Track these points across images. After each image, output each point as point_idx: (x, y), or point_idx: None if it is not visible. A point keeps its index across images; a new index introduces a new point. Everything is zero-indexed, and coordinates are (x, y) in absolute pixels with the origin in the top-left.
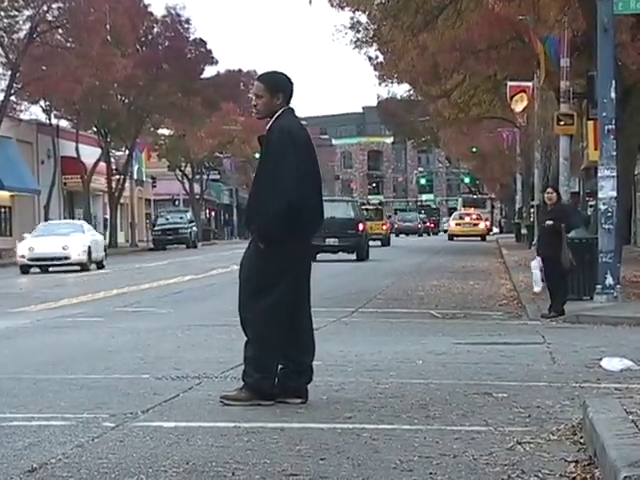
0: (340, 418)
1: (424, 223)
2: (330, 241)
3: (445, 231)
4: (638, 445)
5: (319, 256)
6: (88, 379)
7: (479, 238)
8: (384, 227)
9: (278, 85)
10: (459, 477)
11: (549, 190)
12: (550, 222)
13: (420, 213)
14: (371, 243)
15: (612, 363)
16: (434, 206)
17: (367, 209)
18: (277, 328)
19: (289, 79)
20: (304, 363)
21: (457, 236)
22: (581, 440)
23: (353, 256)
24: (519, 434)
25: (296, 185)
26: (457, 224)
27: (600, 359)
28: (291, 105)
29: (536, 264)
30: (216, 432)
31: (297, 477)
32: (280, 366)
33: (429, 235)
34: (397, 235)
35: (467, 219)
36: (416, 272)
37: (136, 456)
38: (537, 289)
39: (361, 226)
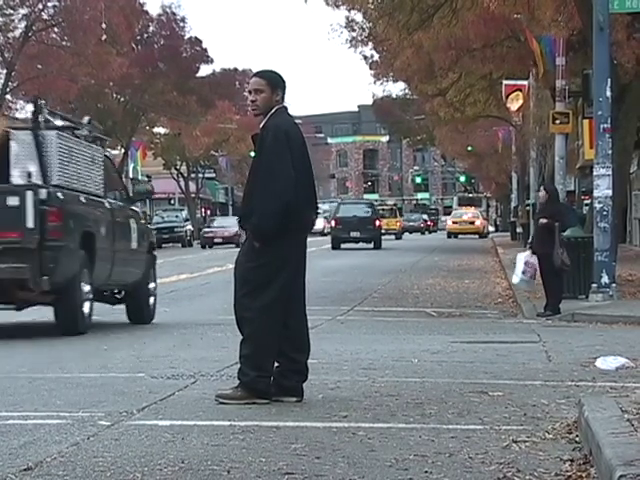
0: (336, 417)
1: (425, 222)
2: (353, 234)
3: (442, 229)
4: (634, 444)
5: (343, 245)
6: (83, 377)
7: (477, 236)
8: (398, 224)
9: (278, 81)
10: (454, 476)
11: (539, 189)
12: (544, 220)
13: (422, 213)
14: (386, 237)
15: (607, 362)
16: (433, 206)
17: (384, 209)
18: (273, 326)
19: (283, 78)
20: (300, 361)
21: (455, 234)
22: (577, 439)
23: (370, 245)
24: (514, 433)
25: (292, 184)
26: (454, 222)
27: (596, 358)
28: (285, 104)
29: (522, 257)
30: (211, 431)
31: (292, 476)
32: (276, 364)
33: (429, 233)
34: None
35: (464, 217)
36: (412, 270)
37: (131, 455)
38: (515, 280)
39: (377, 222)
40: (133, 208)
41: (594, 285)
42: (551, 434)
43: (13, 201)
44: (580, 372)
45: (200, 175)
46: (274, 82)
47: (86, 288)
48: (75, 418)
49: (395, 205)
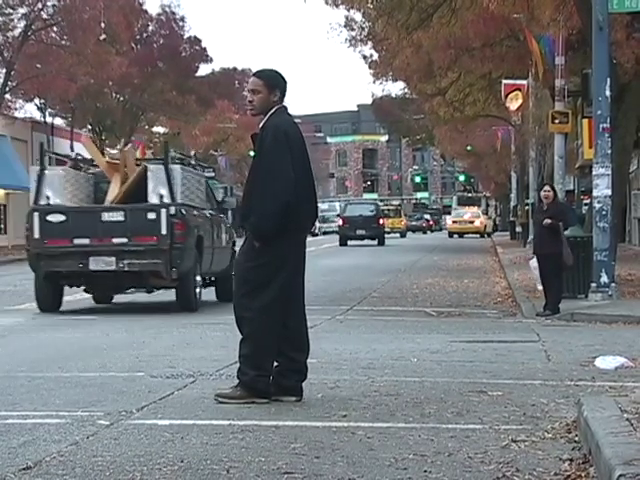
0: (335, 416)
1: (427, 222)
2: (359, 232)
3: (444, 229)
4: (633, 443)
5: (350, 242)
6: (83, 377)
7: (478, 235)
8: (402, 223)
9: (276, 82)
10: (454, 475)
11: (546, 188)
12: (549, 221)
13: (424, 214)
14: (392, 235)
15: (607, 361)
16: (434, 206)
17: (389, 209)
18: (272, 326)
19: (284, 77)
20: (299, 361)
21: (455, 233)
22: (576, 438)
23: (374, 242)
24: (514, 432)
25: (292, 185)
26: (454, 222)
27: (595, 357)
28: (284, 103)
29: (535, 264)
30: (211, 430)
31: (291, 475)
32: (275, 364)
33: (432, 232)
34: None
35: (465, 217)
36: (411, 270)
37: (131, 454)
38: (540, 287)
39: (381, 221)
40: (221, 215)
41: (593, 284)
42: (550, 433)
43: (151, 215)
44: (579, 371)
45: None
46: (272, 82)
47: (198, 278)
48: (74, 417)
49: (400, 205)
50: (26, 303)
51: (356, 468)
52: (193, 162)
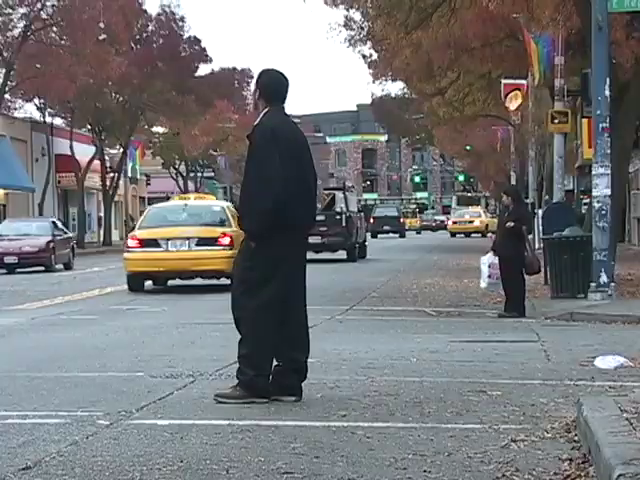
0: (334, 416)
1: (436, 222)
2: (385, 228)
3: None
4: (632, 443)
5: (380, 236)
6: (82, 377)
7: (480, 234)
8: (418, 222)
9: (259, 84)
10: (453, 475)
11: (504, 195)
12: (511, 224)
13: (436, 215)
14: (410, 232)
15: (606, 361)
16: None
17: (408, 211)
18: (270, 325)
19: (275, 79)
20: (299, 361)
21: (457, 233)
22: (575, 438)
23: (397, 235)
24: (513, 432)
25: (281, 183)
26: (454, 222)
27: (594, 357)
28: (280, 104)
29: (485, 260)
30: (210, 430)
31: (291, 475)
32: (275, 364)
33: (441, 230)
34: None
35: (465, 217)
36: (410, 270)
37: (130, 454)
38: (483, 285)
39: (401, 219)
40: (358, 214)
41: (593, 284)
42: (550, 433)
43: (338, 217)
44: (579, 371)
45: (199, 174)
46: (257, 84)
47: (356, 245)
48: (74, 417)
49: (416, 208)
50: (26, 303)
51: (356, 468)
52: (352, 190)
